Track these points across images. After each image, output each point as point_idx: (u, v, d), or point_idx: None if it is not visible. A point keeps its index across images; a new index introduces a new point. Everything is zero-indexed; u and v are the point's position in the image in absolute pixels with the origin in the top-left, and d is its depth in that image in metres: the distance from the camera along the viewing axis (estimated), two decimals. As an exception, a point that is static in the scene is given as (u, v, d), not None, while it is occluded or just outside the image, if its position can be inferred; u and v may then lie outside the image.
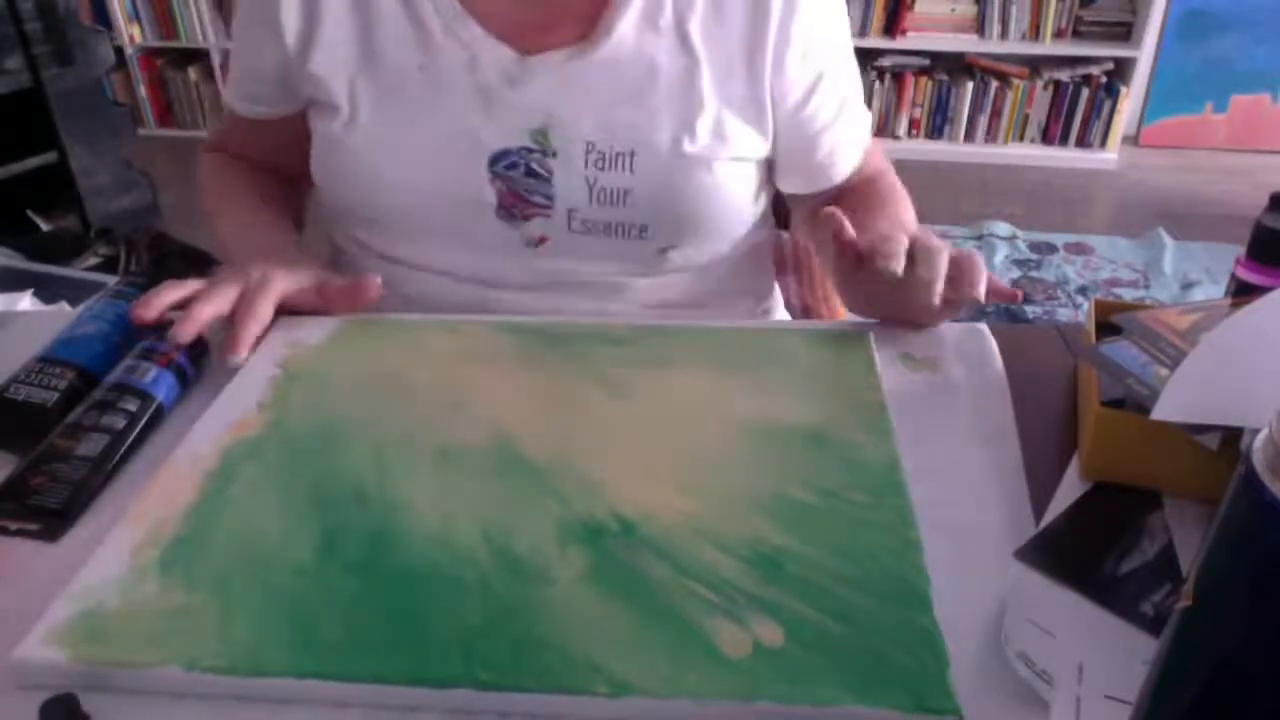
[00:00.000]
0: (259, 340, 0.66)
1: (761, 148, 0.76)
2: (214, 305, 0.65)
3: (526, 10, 0.72)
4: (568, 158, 0.72)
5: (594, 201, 0.73)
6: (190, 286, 0.67)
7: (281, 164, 0.85)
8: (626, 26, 0.70)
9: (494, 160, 0.73)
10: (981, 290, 0.61)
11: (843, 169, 0.81)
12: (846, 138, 0.80)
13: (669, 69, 0.71)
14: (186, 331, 0.63)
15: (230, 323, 0.66)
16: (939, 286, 0.61)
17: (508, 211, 0.74)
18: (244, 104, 0.82)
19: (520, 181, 0.73)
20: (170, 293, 0.66)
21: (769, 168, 0.81)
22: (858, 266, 0.63)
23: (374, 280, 0.70)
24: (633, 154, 0.71)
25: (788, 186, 0.83)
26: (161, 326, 0.64)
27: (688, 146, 0.71)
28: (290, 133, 0.80)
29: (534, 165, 0.72)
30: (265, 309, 0.67)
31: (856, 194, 0.81)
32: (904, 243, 0.61)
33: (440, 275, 0.78)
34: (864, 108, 0.82)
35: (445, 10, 0.71)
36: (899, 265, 0.60)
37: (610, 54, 0.71)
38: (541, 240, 0.76)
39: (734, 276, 0.83)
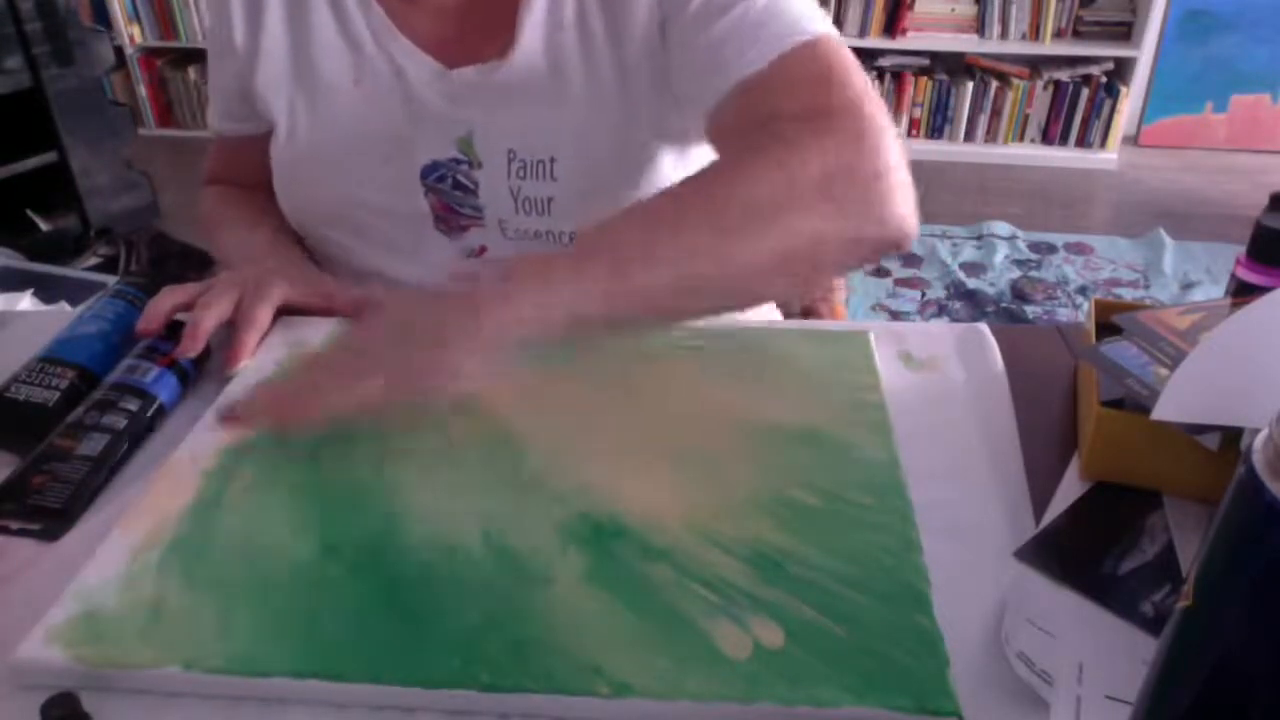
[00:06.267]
0: (259, 343, 0.66)
1: (680, 118, 0.69)
2: (215, 311, 0.65)
3: (447, 25, 0.72)
4: (492, 168, 0.72)
5: (520, 211, 0.73)
6: (189, 290, 0.67)
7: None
8: (533, 30, 0.69)
9: (425, 173, 0.73)
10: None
11: (737, 67, 0.61)
12: (748, 26, 0.62)
13: (577, 66, 0.70)
14: (194, 348, 0.63)
15: (231, 327, 0.66)
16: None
17: (444, 224, 0.75)
18: (222, 122, 0.84)
19: (449, 194, 0.73)
20: (170, 299, 0.66)
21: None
22: None
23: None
24: (552, 160, 0.70)
25: (692, 106, 0.66)
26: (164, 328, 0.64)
27: (605, 145, 0.70)
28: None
29: (460, 177, 0.73)
30: (263, 315, 0.67)
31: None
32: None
33: (395, 286, 0.77)
34: (800, 10, 0.62)
35: (376, 25, 0.72)
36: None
37: (524, 61, 0.70)
38: (481, 250, 0.76)
39: None
